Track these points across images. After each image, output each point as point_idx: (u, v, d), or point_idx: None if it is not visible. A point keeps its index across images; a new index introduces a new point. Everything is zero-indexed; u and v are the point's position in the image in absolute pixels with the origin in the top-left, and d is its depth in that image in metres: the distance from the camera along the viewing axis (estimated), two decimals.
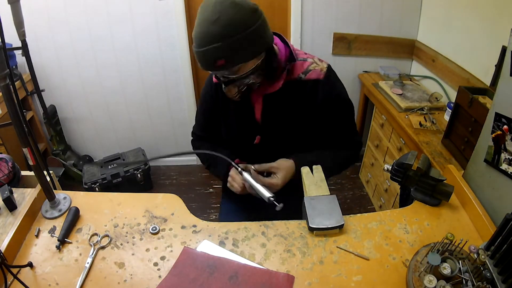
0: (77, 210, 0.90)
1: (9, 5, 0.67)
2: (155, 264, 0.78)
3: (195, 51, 0.89)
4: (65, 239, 0.83)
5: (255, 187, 0.92)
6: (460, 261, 0.67)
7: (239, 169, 0.96)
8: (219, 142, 1.18)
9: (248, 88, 0.96)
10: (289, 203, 0.89)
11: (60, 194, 0.96)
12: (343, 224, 0.82)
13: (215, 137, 1.19)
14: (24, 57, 0.76)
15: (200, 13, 0.87)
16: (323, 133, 1.08)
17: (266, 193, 0.89)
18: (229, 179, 1.06)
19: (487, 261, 0.65)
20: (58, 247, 0.81)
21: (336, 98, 1.03)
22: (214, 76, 1.04)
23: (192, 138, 1.27)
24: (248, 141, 1.10)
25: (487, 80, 1.61)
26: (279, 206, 0.87)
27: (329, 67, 1.02)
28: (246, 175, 0.94)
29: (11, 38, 1.10)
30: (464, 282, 0.65)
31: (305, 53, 1.05)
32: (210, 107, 1.13)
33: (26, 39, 0.74)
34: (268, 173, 1.02)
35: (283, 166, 1.01)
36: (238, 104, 1.05)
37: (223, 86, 0.96)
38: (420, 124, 1.77)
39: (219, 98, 1.09)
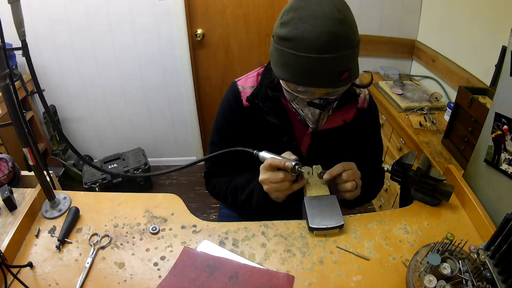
0: (77, 210, 0.90)
1: (9, 5, 0.67)
2: (155, 264, 0.78)
3: (309, 57, 0.67)
4: (65, 239, 0.83)
5: (279, 157, 0.81)
6: (460, 261, 0.67)
7: (255, 152, 0.82)
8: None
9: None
10: (289, 203, 0.89)
11: (60, 194, 0.96)
12: (343, 224, 0.82)
13: (235, 172, 1.00)
14: (24, 57, 0.76)
15: (306, 2, 0.68)
16: (361, 158, 0.96)
17: (291, 161, 0.79)
18: (267, 186, 0.83)
19: (487, 261, 0.65)
20: (58, 247, 0.81)
21: (375, 124, 1.00)
22: (291, 99, 0.82)
23: (206, 180, 1.07)
24: None
25: (487, 80, 1.61)
26: (306, 176, 0.80)
27: (369, 92, 0.97)
28: (263, 153, 0.82)
29: (11, 38, 1.10)
30: (464, 282, 0.65)
31: None
32: (239, 137, 0.94)
33: (26, 39, 0.74)
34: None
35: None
36: (279, 137, 0.88)
37: (316, 112, 0.79)
38: (420, 124, 1.77)
39: (251, 127, 0.92)
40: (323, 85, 0.72)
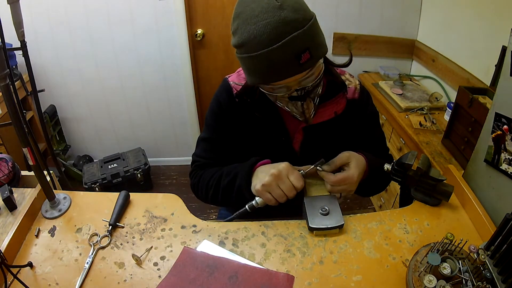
0: (127, 194, 0.92)
1: (8, 5, 0.67)
2: (155, 264, 0.78)
3: (261, 54, 0.67)
4: (117, 223, 0.86)
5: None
6: (460, 261, 0.67)
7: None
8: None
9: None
10: (289, 203, 0.88)
11: (60, 194, 0.96)
12: (343, 224, 0.82)
13: (224, 163, 0.96)
14: (24, 57, 0.76)
15: (244, 6, 0.69)
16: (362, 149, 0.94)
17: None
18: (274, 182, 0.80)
19: (487, 261, 0.65)
20: (109, 232, 0.83)
21: (370, 115, 0.97)
22: (279, 97, 0.79)
23: (192, 170, 1.04)
24: None
25: (487, 80, 1.61)
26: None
27: (360, 83, 0.96)
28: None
29: (12, 38, 1.10)
30: (464, 282, 0.65)
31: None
32: (229, 133, 0.92)
33: (26, 39, 0.74)
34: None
35: (352, 155, 0.85)
36: (270, 133, 0.86)
37: (298, 104, 0.78)
38: (420, 124, 1.77)
39: (242, 123, 0.89)
40: (286, 75, 0.70)
